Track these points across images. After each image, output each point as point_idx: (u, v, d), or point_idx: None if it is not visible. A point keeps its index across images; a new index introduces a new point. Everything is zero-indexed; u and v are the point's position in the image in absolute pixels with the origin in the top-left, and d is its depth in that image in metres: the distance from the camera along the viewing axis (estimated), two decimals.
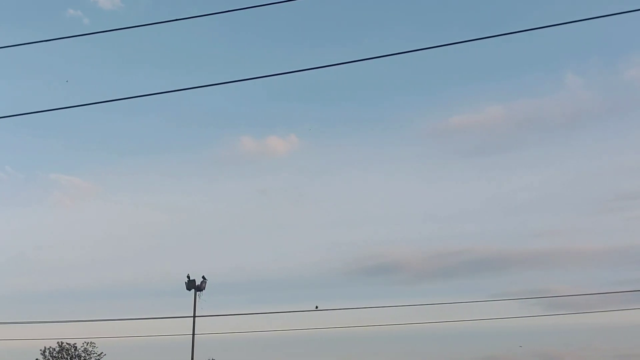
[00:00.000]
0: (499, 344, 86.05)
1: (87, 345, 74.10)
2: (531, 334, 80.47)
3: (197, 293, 61.39)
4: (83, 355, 74.21)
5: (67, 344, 73.89)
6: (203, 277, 62.18)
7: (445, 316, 66.12)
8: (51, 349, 73.76)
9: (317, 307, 58.81)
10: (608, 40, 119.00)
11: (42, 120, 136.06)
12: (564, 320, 68.03)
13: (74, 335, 73.23)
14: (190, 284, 61.79)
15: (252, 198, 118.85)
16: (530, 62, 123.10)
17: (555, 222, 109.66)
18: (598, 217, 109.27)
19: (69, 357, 73.86)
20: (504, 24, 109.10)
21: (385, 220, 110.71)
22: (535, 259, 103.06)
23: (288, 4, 21.67)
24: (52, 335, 72.44)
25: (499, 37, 21.38)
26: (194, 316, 61.36)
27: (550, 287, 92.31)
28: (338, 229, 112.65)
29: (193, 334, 61.19)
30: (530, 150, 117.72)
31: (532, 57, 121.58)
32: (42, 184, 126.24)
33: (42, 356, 73.60)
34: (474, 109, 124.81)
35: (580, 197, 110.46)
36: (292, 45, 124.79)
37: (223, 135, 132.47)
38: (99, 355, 74.36)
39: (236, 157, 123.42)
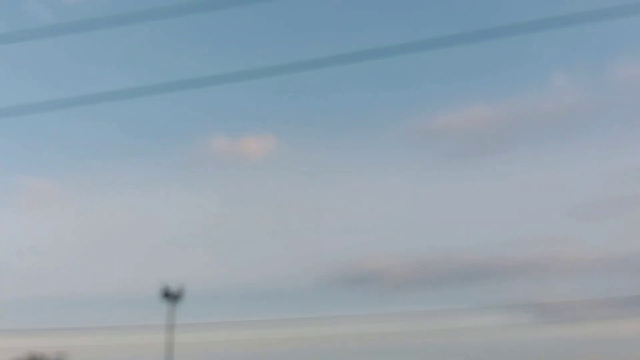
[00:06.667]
0: (485, 355, 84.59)
1: (58, 355, 72.65)
2: (518, 344, 79.17)
3: (173, 302, 61.40)
4: None
5: (37, 354, 72.49)
6: (179, 285, 62.02)
7: (429, 326, 64.98)
8: None
9: None
10: (596, 40, 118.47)
11: (4, 121, 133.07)
12: (553, 331, 66.93)
13: (45, 345, 71.58)
14: (167, 292, 61.70)
15: (228, 203, 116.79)
16: (517, 61, 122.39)
17: (543, 228, 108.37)
18: (589, 223, 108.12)
19: None
20: (490, 24, 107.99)
21: (367, 227, 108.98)
22: (522, 267, 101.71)
23: (266, 3, 20.54)
24: (22, 346, 70.91)
25: (485, 36, 21.10)
26: (170, 325, 61.24)
27: (538, 296, 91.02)
28: (318, 235, 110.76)
29: (169, 344, 61.08)
30: (517, 153, 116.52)
31: (518, 56, 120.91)
32: (5, 186, 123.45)
33: None
34: (459, 109, 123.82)
35: (570, 202, 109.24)
36: (272, 45, 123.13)
37: (196, 136, 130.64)
38: None
39: (210, 160, 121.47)
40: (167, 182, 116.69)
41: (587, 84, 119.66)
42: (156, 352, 62.32)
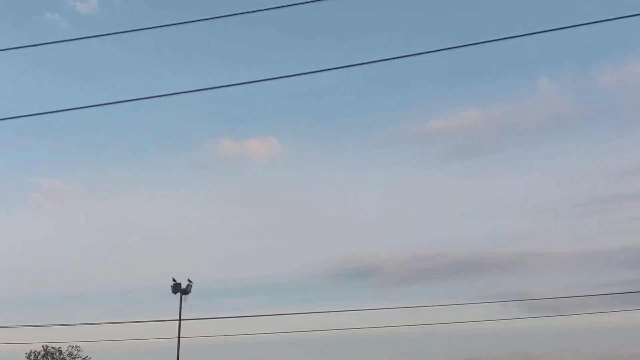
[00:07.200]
0: (479, 346, 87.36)
1: (72, 349, 74.66)
2: (511, 336, 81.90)
3: (183, 296, 62.17)
4: (68, 359, 74.71)
5: (52, 347, 74.36)
6: (189, 280, 62.90)
7: (424, 319, 66.98)
8: (36, 353, 74.21)
9: None
10: (581, 46, 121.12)
11: (20, 123, 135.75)
12: (543, 323, 69.35)
13: (59, 338, 73.42)
14: (176, 287, 62.48)
15: (234, 201, 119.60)
16: (506, 67, 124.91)
17: (532, 225, 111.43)
18: (574, 221, 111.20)
19: None
20: (479, 30, 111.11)
21: (365, 223, 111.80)
22: (512, 262, 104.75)
23: (268, 13, 22.58)
24: (37, 339, 72.05)
25: (476, 42, 22.42)
26: (180, 319, 61.76)
27: (528, 289, 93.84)
28: (318, 233, 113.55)
29: (179, 338, 61.49)
30: (506, 155, 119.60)
31: (507, 63, 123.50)
32: (21, 187, 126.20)
33: None
34: (450, 113, 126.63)
35: (557, 201, 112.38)
36: (273, 51, 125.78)
37: (205, 139, 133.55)
38: (84, 358, 75.00)
39: (217, 161, 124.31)
40: (177, 182, 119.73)
41: (572, 88, 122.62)
42: (166, 346, 63.72)
